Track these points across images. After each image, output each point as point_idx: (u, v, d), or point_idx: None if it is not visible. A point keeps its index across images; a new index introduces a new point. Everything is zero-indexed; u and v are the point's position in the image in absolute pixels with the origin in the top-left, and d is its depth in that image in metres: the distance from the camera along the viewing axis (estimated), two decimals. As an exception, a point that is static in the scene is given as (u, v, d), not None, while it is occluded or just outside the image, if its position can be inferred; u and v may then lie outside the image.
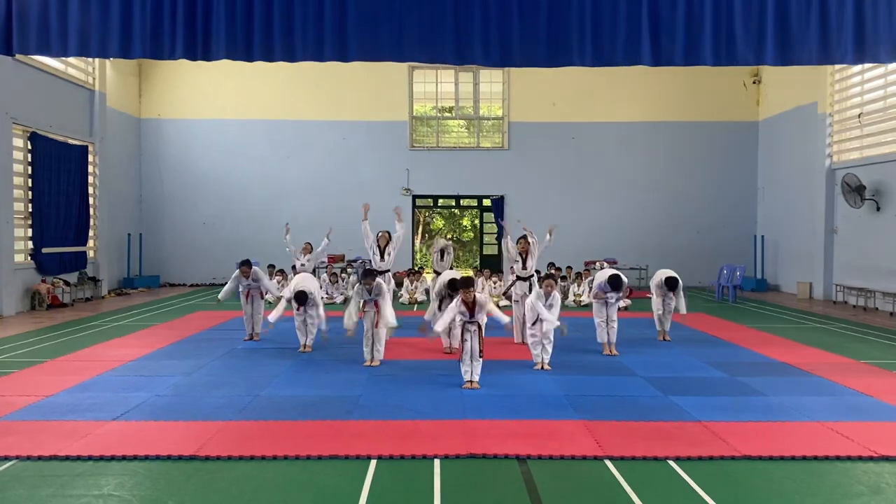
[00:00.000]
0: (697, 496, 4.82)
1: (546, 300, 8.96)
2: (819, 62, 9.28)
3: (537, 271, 10.91)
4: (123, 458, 5.49)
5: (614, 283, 9.76)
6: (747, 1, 9.15)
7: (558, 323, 8.84)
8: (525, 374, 8.57)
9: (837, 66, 17.39)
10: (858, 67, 16.67)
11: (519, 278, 10.78)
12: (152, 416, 6.70)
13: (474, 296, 7.99)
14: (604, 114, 21.70)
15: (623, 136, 21.73)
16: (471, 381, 7.88)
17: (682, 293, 11.07)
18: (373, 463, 5.40)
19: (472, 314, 7.97)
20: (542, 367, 8.87)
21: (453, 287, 8.88)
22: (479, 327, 8.00)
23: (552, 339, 9.06)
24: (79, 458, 5.49)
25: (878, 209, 16.06)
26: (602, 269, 18.41)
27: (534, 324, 9.00)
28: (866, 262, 16.42)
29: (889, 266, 15.53)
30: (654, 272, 11.80)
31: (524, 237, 10.73)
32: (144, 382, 8.08)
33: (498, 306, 15.96)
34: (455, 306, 8.07)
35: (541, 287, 9.14)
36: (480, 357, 7.97)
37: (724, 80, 21.34)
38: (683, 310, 11.07)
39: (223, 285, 11.54)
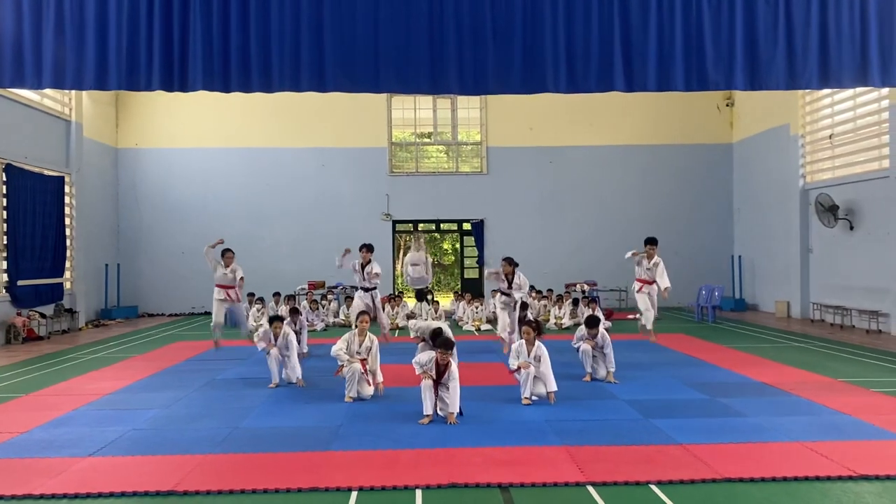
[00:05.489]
0: (679, 521, 4.82)
1: (529, 354, 8.45)
2: (786, 87, 9.49)
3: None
4: (100, 494, 5.39)
5: (590, 321, 9.86)
6: (717, 28, 9.36)
7: (554, 387, 8.37)
8: (505, 401, 8.51)
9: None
10: (828, 90, 17.01)
11: (504, 293, 11.18)
12: (130, 450, 6.59)
13: (449, 361, 7.64)
14: (581, 138, 21.93)
15: (600, 159, 21.94)
16: (429, 416, 7.51)
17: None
18: (354, 494, 5.35)
19: (439, 378, 7.61)
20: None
21: (435, 336, 8.33)
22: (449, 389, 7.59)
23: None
24: (54, 496, 5.38)
25: (852, 228, 16.32)
26: (583, 292, 18.58)
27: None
28: (842, 281, 16.64)
29: (864, 284, 15.75)
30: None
31: (508, 259, 11.30)
32: (122, 416, 7.96)
33: (479, 330, 16.16)
34: (431, 358, 7.72)
35: (520, 334, 8.81)
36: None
37: (698, 104, 21.68)
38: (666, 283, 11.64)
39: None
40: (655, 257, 11.61)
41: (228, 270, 11.86)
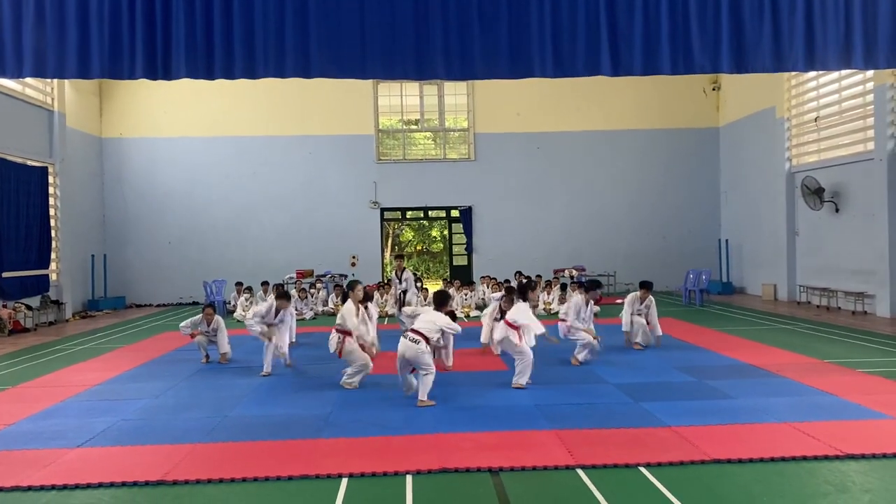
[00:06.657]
0: (668, 502, 4.85)
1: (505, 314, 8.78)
2: (772, 70, 9.49)
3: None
4: (88, 486, 5.37)
5: (591, 284, 10.19)
6: (703, 11, 9.34)
7: (543, 329, 8.59)
8: (495, 386, 8.55)
9: (793, 72, 17.80)
10: (813, 73, 17.06)
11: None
12: (118, 441, 6.56)
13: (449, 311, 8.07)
14: (568, 123, 21.92)
15: (587, 144, 21.96)
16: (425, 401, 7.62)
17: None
18: (344, 481, 5.35)
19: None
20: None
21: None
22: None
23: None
24: (42, 487, 5.35)
25: (837, 210, 16.41)
26: (571, 277, 18.62)
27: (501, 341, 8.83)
28: (828, 263, 16.76)
29: (850, 266, 15.87)
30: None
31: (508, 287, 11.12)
32: (110, 407, 7.92)
33: (468, 316, 16.16)
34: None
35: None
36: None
37: (685, 88, 21.71)
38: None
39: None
40: (648, 299, 11.38)
41: (210, 329, 10.70)
